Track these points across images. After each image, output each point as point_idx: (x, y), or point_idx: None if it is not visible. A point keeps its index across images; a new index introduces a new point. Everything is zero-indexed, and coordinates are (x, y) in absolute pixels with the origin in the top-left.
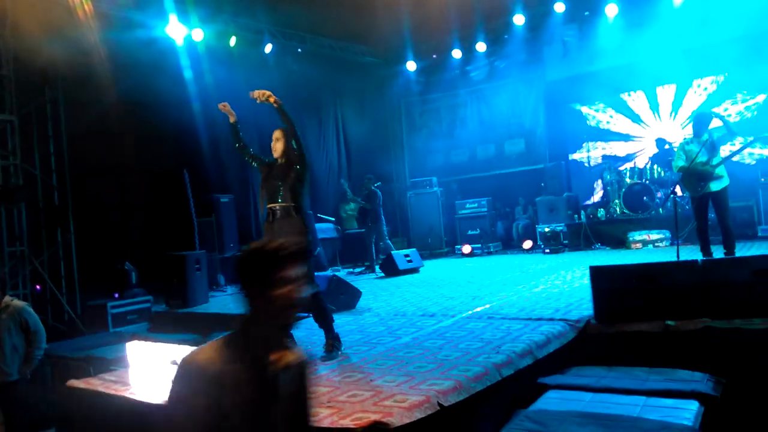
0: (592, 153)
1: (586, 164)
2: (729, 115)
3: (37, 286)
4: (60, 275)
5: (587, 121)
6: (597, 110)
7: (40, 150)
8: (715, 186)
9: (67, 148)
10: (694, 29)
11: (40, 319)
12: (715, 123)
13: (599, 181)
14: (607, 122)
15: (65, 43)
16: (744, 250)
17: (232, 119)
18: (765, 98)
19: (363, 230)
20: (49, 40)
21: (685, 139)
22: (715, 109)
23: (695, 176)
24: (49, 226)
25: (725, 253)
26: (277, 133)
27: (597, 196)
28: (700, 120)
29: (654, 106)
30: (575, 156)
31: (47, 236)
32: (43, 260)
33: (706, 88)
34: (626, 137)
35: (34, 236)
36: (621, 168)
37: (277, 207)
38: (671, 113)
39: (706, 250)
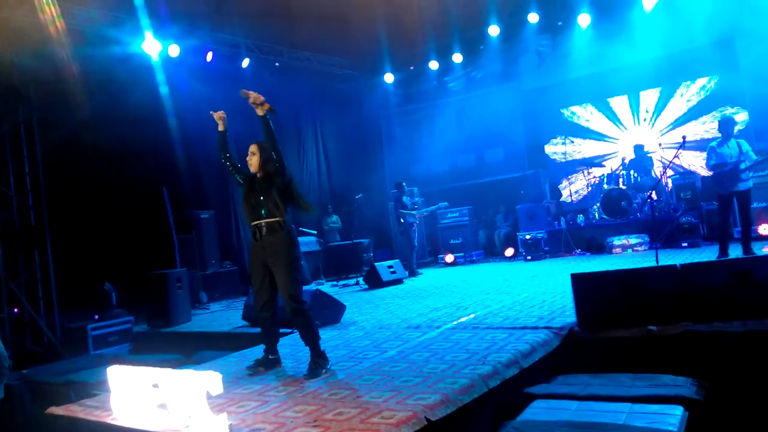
0: (567, 148)
1: (561, 159)
2: (707, 131)
3: (15, 309)
4: (38, 297)
5: (565, 118)
6: (576, 108)
7: (15, 171)
8: (742, 186)
9: (43, 168)
10: (671, 34)
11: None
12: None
13: (570, 178)
14: (586, 120)
15: (39, 62)
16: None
17: (221, 127)
18: (746, 117)
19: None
20: (23, 59)
21: (715, 140)
22: (701, 122)
23: (726, 176)
24: (26, 248)
25: (744, 250)
26: (252, 147)
27: (566, 192)
28: (726, 123)
29: (635, 111)
30: (549, 149)
31: (24, 258)
32: (20, 282)
33: (689, 100)
34: (602, 137)
35: (10, 258)
36: (598, 173)
37: (263, 223)
38: (651, 119)
39: (724, 251)
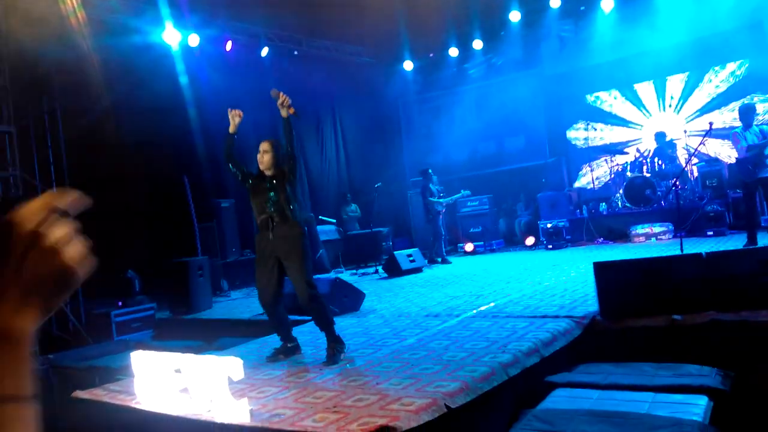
0: (590, 133)
1: (582, 145)
2: (735, 119)
3: None
4: None
5: (588, 103)
6: (601, 93)
7: (39, 160)
8: (766, 172)
9: (66, 157)
10: (698, 17)
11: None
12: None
13: (592, 165)
14: (610, 105)
15: (61, 52)
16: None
17: (231, 129)
18: None
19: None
20: (45, 50)
21: (738, 128)
22: (730, 108)
23: (751, 162)
24: None
25: None
26: (265, 145)
27: (587, 179)
28: (746, 111)
29: (661, 97)
30: (571, 134)
31: None
32: None
33: (717, 86)
34: (626, 122)
35: None
36: (621, 161)
37: (276, 216)
38: (676, 106)
39: (752, 239)
